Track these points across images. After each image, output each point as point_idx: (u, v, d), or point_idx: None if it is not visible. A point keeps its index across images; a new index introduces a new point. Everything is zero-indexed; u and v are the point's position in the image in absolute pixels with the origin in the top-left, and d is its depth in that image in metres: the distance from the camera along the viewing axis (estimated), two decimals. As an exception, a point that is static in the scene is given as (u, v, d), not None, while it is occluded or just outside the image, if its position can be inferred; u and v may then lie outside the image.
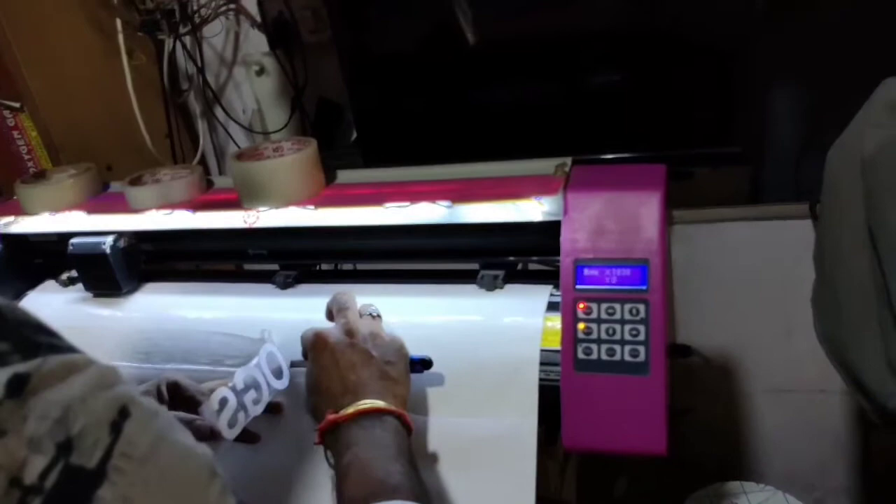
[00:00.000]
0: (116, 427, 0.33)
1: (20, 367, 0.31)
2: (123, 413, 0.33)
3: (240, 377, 0.73)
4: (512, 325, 0.82)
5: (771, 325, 1.22)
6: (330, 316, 0.78)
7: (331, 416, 0.65)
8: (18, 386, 0.31)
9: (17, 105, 1.23)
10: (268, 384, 0.75)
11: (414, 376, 0.76)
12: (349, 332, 0.73)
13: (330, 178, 0.99)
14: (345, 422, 0.65)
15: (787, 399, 1.28)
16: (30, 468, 0.30)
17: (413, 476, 0.61)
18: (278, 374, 0.76)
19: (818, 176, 0.79)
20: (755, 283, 1.19)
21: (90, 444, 0.32)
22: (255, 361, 0.75)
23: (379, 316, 0.79)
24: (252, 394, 0.73)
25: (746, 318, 1.22)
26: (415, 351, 0.77)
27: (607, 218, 0.78)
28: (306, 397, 0.73)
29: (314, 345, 0.72)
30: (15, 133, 1.26)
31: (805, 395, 1.27)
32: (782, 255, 1.14)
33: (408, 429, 0.68)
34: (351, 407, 0.65)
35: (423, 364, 0.78)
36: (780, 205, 1.14)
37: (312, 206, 0.89)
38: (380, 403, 0.66)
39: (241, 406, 0.71)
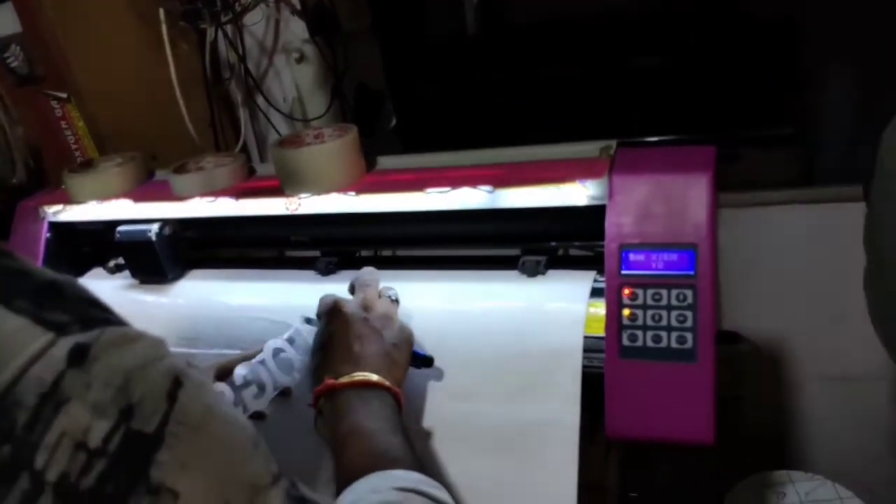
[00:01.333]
0: (172, 396, 0.34)
1: (81, 338, 0.33)
2: (177, 383, 0.35)
3: (240, 373, 0.74)
4: (554, 311, 0.81)
5: (822, 311, 1.18)
6: (352, 290, 0.79)
7: (329, 381, 0.66)
8: (80, 355, 0.32)
9: (64, 96, 1.25)
10: (273, 380, 0.75)
11: (458, 361, 0.76)
12: (366, 308, 0.74)
13: (371, 164, 0.99)
14: (342, 389, 0.65)
15: (838, 387, 1.24)
16: (94, 433, 0.31)
17: (411, 451, 0.61)
18: (288, 369, 0.76)
19: (873, 156, 0.76)
20: (806, 268, 1.16)
21: (149, 411, 0.33)
22: (259, 358, 0.76)
23: (397, 301, 0.79)
24: (252, 389, 0.74)
25: (796, 304, 1.19)
26: (455, 337, 0.77)
27: (654, 201, 0.76)
28: (310, 358, 0.73)
29: (330, 310, 0.73)
30: (63, 123, 1.28)
31: (856, 382, 1.23)
32: (835, 240, 1.11)
33: (400, 408, 0.68)
34: (350, 376, 0.66)
35: (425, 361, 0.78)
36: (833, 187, 1.11)
37: (354, 193, 0.89)
38: (379, 380, 0.66)
39: (239, 401, 0.72)
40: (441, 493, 0.54)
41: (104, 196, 1.07)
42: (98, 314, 0.35)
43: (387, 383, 0.67)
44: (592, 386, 0.77)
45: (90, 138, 1.30)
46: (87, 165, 1.13)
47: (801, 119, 1.15)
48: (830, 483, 1.17)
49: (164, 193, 1.04)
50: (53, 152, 1.31)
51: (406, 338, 0.74)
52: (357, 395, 0.65)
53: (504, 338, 0.81)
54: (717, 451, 0.76)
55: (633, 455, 1.13)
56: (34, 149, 1.30)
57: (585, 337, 0.78)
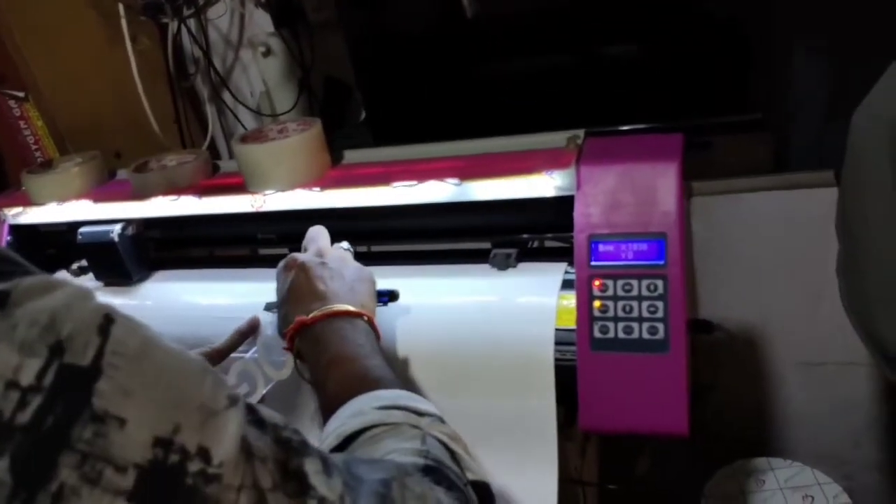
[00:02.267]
0: (104, 330, 0.33)
1: None
2: (108, 319, 0.34)
3: (233, 372, 0.73)
4: (526, 304, 0.80)
5: (797, 297, 1.18)
6: (304, 250, 0.78)
7: (300, 319, 0.65)
8: (1, 301, 0.32)
9: (21, 95, 1.22)
10: (264, 374, 0.74)
11: (429, 357, 0.75)
12: (320, 255, 0.73)
13: (337, 158, 0.97)
14: (313, 324, 0.65)
15: (815, 373, 1.24)
16: (25, 371, 0.31)
17: (390, 370, 0.61)
18: (279, 364, 0.75)
19: (844, 141, 0.76)
20: (779, 254, 1.15)
21: (81, 346, 0.32)
22: (249, 354, 0.75)
23: (350, 251, 0.79)
24: (244, 388, 0.73)
25: (771, 290, 1.18)
26: (426, 333, 0.76)
27: (622, 191, 0.75)
28: (276, 318, 0.73)
29: (286, 265, 0.73)
30: (21, 123, 1.25)
31: (833, 368, 1.23)
32: (807, 225, 1.10)
33: (376, 334, 0.68)
34: (319, 310, 0.66)
35: (391, 296, 0.79)
36: (803, 173, 1.10)
37: (318, 188, 0.87)
38: (349, 307, 0.66)
39: None
40: (423, 405, 0.54)
41: (64, 197, 1.04)
42: (16, 268, 0.34)
43: (357, 310, 0.67)
44: (566, 379, 0.76)
45: (50, 138, 1.26)
46: (47, 166, 1.10)
47: (767, 105, 1.14)
48: (809, 469, 1.17)
49: (126, 193, 1.02)
50: (13, 153, 1.28)
51: (367, 276, 0.74)
52: (329, 327, 0.65)
53: (476, 333, 0.80)
54: (695, 440, 0.75)
55: (611, 447, 1.12)
56: (-7, 149, 1.27)
57: (557, 329, 0.77)
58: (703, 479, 1.19)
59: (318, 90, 1.43)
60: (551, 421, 0.74)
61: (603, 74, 1.20)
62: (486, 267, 0.86)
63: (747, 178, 1.11)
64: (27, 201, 1.07)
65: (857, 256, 0.75)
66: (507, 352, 0.77)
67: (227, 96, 1.50)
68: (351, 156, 0.98)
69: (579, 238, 0.76)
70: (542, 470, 0.74)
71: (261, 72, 1.43)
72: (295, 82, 1.40)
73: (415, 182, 0.82)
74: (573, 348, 0.76)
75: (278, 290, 0.73)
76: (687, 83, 1.16)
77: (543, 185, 0.78)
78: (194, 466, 0.33)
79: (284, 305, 0.70)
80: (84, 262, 1.05)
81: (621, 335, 0.74)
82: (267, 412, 0.40)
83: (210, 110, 1.51)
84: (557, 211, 0.78)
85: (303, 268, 0.70)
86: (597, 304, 0.75)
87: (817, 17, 1.04)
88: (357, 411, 0.53)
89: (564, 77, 1.21)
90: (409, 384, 0.79)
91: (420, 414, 0.53)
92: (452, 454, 0.51)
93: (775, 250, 1.16)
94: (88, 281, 1.04)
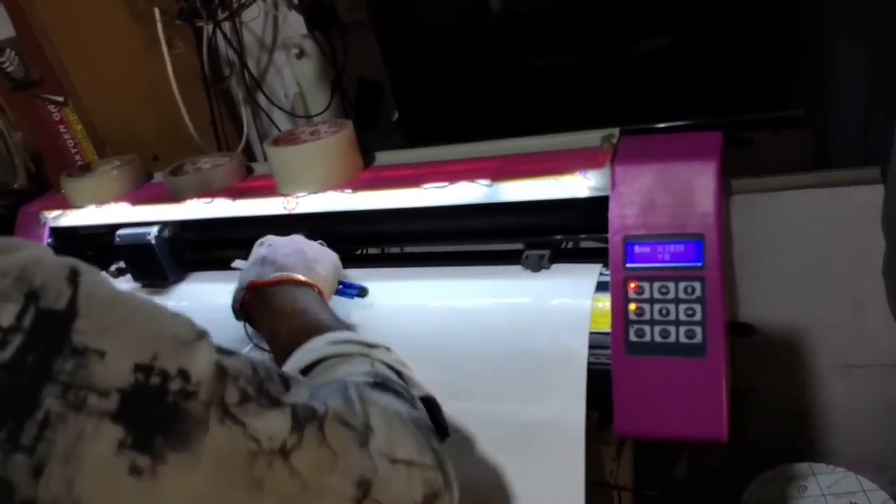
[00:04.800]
0: (73, 281, 0.35)
1: None
2: (75, 272, 0.36)
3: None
4: (559, 307, 0.78)
5: (840, 298, 1.14)
6: None
7: (255, 281, 0.69)
8: None
9: (60, 99, 1.24)
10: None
11: (460, 359, 0.75)
12: (289, 238, 0.78)
13: (369, 159, 0.97)
14: (265, 287, 0.69)
15: (859, 376, 1.21)
16: (4, 314, 0.33)
17: (342, 322, 0.65)
18: None
19: (889, 137, 0.73)
20: (822, 254, 1.12)
21: (55, 294, 0.34)
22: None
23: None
24: None
25: (813, 292, 1.15)
26: (458, 335, 0.76)
27: (658, 191, 0.74)
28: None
29: (258, 243, 0.78)
30: (61, 127, 1.27)
31: (878, 371, 1.19)
32: (851, 224, 1.07)
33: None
34: (273, 276, 0.70)
35: (361, 291, 0.82)
36: (847, 170, 1.06)
37: (350, 191, 0.87)
38: (300, 277, 0.70)
39: None
40: (376, 351, 0.57)
41: (102, 200, 1.06)
42: None
43: (311, 281, 0.71)
44: (601, 383, 0.75)
45: (89, 141, 1.28)
46: (85, 169, 1.11)
47: (810, 100, 1.11)
48: (853, 475, 1.14)
49: (163, 195, 1.03)
50: (53, 156, 1.30)
51: (330, 259, 0.78)
52: (281, 289, 0.68)
53: (507, 335, 0.79)
54: (734, 445, 0.73)
55: (646, 450, 1.10)
56: (34, 153, 1.30)
57: (591, 333, 0.75)
58: (742, 485, 1.16)
59: (351, 91, 1.43)
60: (580, 426, 0.73)
61: (639, 70, 1.18)
62: (518, 269, 0.85)
63: (789, 175, 1.08)
64: (67, 204, 1.09)
65: (904, 257, 0.72)
66: (540, 355, 0.76)
67: (261, 98, 1.51)
68: (383, 157, 0.97)
69: (614, 239, 0.75)
70: (570, 475, 0.73)
71: (294, 73, 1.44)
72: (328, 83, 1.41)
73: (446, 184, 0.81)
74: (608, 352, 0.75)
75: (245, 264, 0.77)
76: (726, 78, 1.14)
77: (577, 185, 0.76)
78: (175, 386, 0.36)
79: (243, 274, 0.74)
80: (122, 264, 1.07)
81: (658, 339, 0.72)
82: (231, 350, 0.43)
83: (245, 112, 1.52)
84: (592, 211, 0.77)
85: (268, 245, 0.76)
86: (632, 306, 0.74)
87: (861, 10, 1.01)
88: (310, 349, 0.57)
89: (599, 74, 1.19)
90: (437, 386, 0.79)
91: (370, 346, 0.57)
92: (400, 374, 0.55)
93: (817, 250, 1.12)
94: (125, 283, 1.05)
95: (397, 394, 0.51)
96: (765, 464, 1.18)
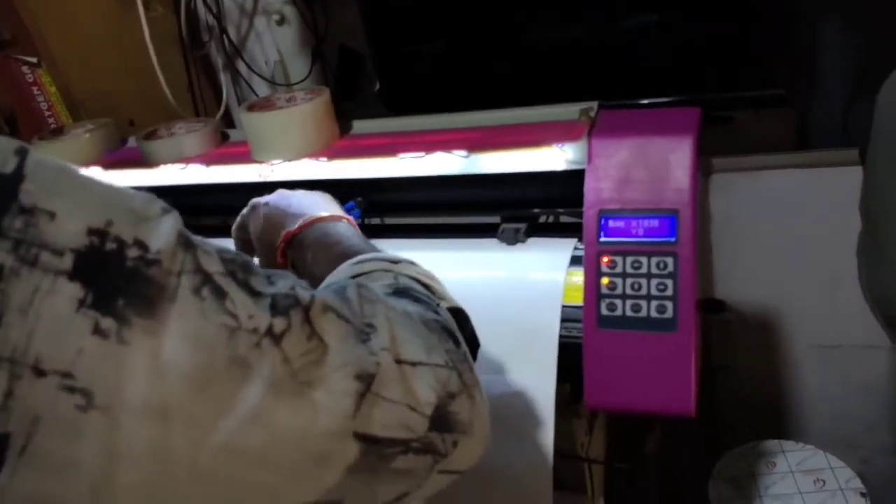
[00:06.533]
0: (21, 152, 0.34)
1: None
2: (24, 147, 0.35)
3: None
4: (532, 280, 0.78)
5: (815, 278, 1.15)
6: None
7: (287, 232, 0.68)
8: None
9: (34, 61, 1.21)
10: None
11: None
12: (277, 192, 0.75)
13: (346, 128, 0.96)
14: (301, 232, 0.67)
15: (832, 355, 1.22)
16: None
17: (374, 248, 0.64)
18: None
19: (870, 119, 0.73)
20: (799, 234, 1.12)
21: (1, 160, 0.33)
22: None
23: None
24: None
25: (790, 272, 1.16)
26: None
27: (634, 165, 0.73)
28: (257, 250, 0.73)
29: (252, 207, 0.74)
30: (35, 89, 1.24)
31: (850, 351, 1.20)
32: (829, 205, 1.07)
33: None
34: (303, 220, 0.68)
35: (358, 204, 0.82)
36: (827, 151, 1.07)
37: (325, 158, 0.86)
38: (327, 213, 0.69)
39: None
40: (400, 265, 0.56)
41: (74, 163, 1.03)
42: None
43: (339, 215, 0.70)
44: (572, 356, 0.75)
45: (63, 105, 1.26)
46: (58, 133, 1.10)
47: (791, 80, 1.10)
48: (822, 452, 1.15)
49: (136, 161, 1.01)
50: (27, 119, 1.27)
51: (326, 196, 0.75)
52: (313, 231, 0.67)
53: (481, 308, 0.78)
54: (707, 421, 0.74)
55: (618, 424, 1.11)
56: (8, 115, 1.27)
57: (564, 306, 0.75)
58: (713, 461, 1.17)
59: (332, 60, 1.41)
60: (550, 398, 0.73)
61: (621, 46, 1.17)
62: (495, 242, 0.85)
63: (768, 155, 1.08)
64: (39, 168, 1.07)
65: (879, 239, 0.72)
66: (512, 328, 0.76)
67: (241, 65, 1.49)
68: (360, 126, 0.96)
69: (589, 213, 0.74)
70: (538, 446, 0.73)
71: (275, 40, 1.41)
72: (309, 51, 1.38)
73: (422, 153, 0.80)
74: (580, 325, 0.75)
75: (252, 232, 0.74)
76: (708, 56, 1.13)
77: (554, 158, 0.76)
78: (133, 253, 0.35)
79: (264, 236, 0.72)
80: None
81: (629, 313, 0.73)
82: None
83: (224, 79, 1.49)
84: (569, 185, 0.77)
85: (268, 203, 0.73)
86: (605, 280, 0.73)
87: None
88: (336, 272, 0.56)
89: (582, 49, 1.18)
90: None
91: (394, 262, 0.56)
92: (426, 287, 0.54)
93: (795, 230, 1.13)
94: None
95: (416, 300, 0.49)
96: (737, 441, 1.19)
